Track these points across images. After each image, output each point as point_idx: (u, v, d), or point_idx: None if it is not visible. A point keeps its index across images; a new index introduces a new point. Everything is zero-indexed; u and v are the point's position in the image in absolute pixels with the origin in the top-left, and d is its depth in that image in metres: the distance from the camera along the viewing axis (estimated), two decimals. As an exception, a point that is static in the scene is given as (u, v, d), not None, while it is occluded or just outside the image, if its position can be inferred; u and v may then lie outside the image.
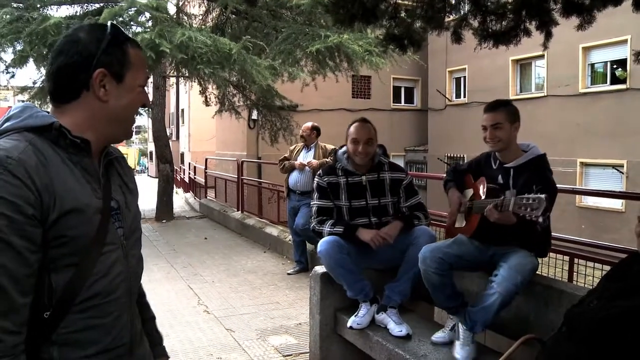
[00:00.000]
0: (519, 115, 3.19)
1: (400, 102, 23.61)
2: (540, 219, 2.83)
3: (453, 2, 4.66)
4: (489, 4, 4.41)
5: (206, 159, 16.11)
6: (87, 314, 1.27)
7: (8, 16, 9.92)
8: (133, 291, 1.43)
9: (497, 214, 2.90)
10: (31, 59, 10.71)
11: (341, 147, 3.86)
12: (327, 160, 6.74)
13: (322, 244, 3.57)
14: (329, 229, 3.62)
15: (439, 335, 3.27)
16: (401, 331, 3.39)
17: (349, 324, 3.53)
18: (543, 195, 2.74)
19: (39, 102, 12.90)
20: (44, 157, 1.22)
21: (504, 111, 3.15)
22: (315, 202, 3.79)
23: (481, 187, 3.19)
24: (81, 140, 1.29)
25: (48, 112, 1.33)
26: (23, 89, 13.38)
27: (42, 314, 1.22)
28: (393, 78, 21.76)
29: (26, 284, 1.17)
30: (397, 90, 23.49)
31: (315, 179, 3.87)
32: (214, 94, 14.70)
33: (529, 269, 2.94)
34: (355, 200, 3.70)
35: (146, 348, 1.54)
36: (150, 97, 14.00)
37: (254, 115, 16.12)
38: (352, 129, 3.70)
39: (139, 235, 1.49)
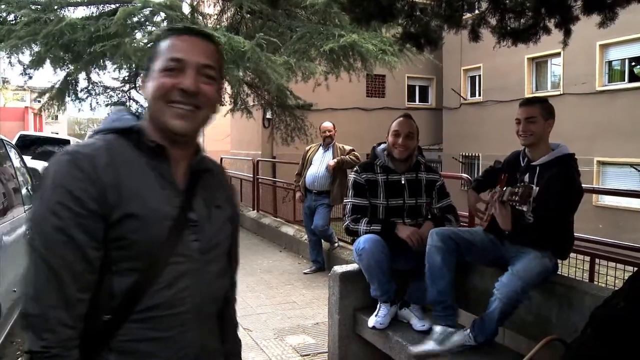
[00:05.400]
0: (554, 114, 3.20)
1: (415, 101, 23.51)
2: (524, 208, 2.96)
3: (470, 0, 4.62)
4: (507, 1, 4.36)
5: (221, 158, 16.13)
6: (146, 325, 1.24)
7: (25, 18, 10.02)
8: (204, 309, 1.35)
9: (497, 206, 3.00)
10: (48, 61, 10.81)
11: (379, 144, 3.83)
12: (345, 158, 6.74)
13: (364, 241, 3.50)
14: (365, 228, 3.58)
15: (422, 347, 3.15)
16: (424, 326, 3.44)
17: (371, 324, 3.52)
18: (531, 185, 2.90)
19: (57, 104, 13.03)
20: (121, 158, 1.24)
21: (539, 106, 3.17)
22: (350, 200, 3.72)
23: (504, 184, 3.22)
24: (156, 145, 1.28)
25: (136, 116, 1.35)
26: (42, 93, 13.50)
27: (102, 317, 1.21)
28: (407, 77, 21.68)
29: (84, 280, 1.18)
30: (411, 89, 23.41)
31: (352, 175, 3.81)
32: (228, 93, 14.73)
33: (537, 272, 2.91)
34: (393, 199, 3.67)
35: None
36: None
37: (268, 115, 16.13)
38: (394, 123, 3.71)
39: (222, 252, 1.42)
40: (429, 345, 3.08)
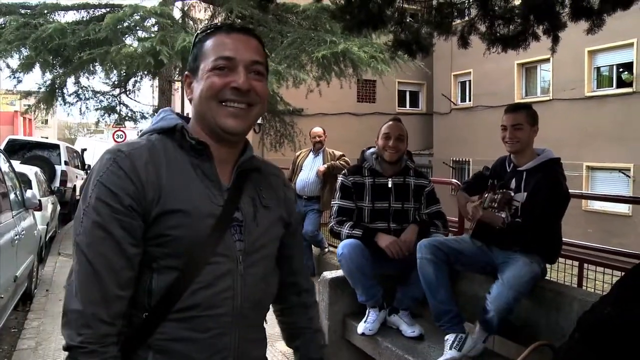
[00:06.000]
0: (538, 119, 3.22)
1: (406, 106, 23.58)
2: (503, 214, 3.00)
3: (460, 7, 4.65)
4: (496, 8, 4.39)
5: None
6: (183, 325, 1.21)
7: (14, 23, 9.98)
8: (244, 312, 1.29)
9: (481, 211, 3.08)
10: (37, 65, 10.76)
11: (369, 148, 3.84)
12: (336, 163, 6.73)
13: (343, 247, 3.50)
14: (347, 231, 3.57)
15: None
16: (414, 332, 3.43)
17: (360, 331, 3.51)
18: (509, 192, 2.99)
19: (45, 107, 12.97)
20: (163, 156, 1.23)
21: (525, 113, 3.19)
22: (337, 202, 3.72)
23: (488, 190, 3.25)
24: (197, 142, 1.26)
25: (183, 116, 1.36)
26: (28, 93, 13.43)
27: (142, 314, 1.20)
28: (398, 82, 21.75)
29: (123, 276, 1.17)
30: (402, 94, 23.50)
31: (340, 177, 3.82)
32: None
33: (527, 280, 2.91)
34: (378, 202, 3.65)
35: None
36: (156, 102, 14.02)
37: (259, 120, 16.13)
38: (384, 126, 3.71)
39: (268, 254, 1.37)
40: (450, 354, 3.05)
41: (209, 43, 1.29)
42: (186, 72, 1.33)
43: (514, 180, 3.18)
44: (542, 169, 3.10)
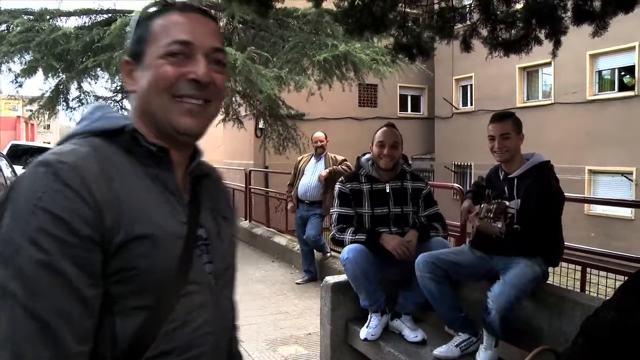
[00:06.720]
0: (522, 127, 3.26)
1: (407, 111, 23.60)
2: (499, 224, 3.02)
3: (462, 11, 4.67)
4: (498, 12, 4.40)
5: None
6: None
7: (19, 27, 10.02)
8: (221, 346, 1.11)
9: (478, 221, 3.10)
10: (40, 69, 10.80)
11: (364, 154, 3.84)
12: (337, 168, 6.73)
13: (348, 252, 3.48)
14: (350, 237, 3.56)
15: (441, 350, 3.19)
16: (416, 337, 3.42)
17: (362, 336, 3.51)
18: (504, 202, 3.03)
19: (47, 113, 13.00)
20: (114, 167, 0.97)
21: (511, 122, 3.22)
22: (336, 210, 3.72)
23: (484, 200, 3.27)
24: (158, 148, 1.04)
25: (124, 114, 1.13)
26: (32, 100, 13.47)
27: None
28: (399, 86, 21.75)
29: (82, 327, 0.89)
30: (403, 98, 23.49)
31: (337, 185, 3.81)
32: (220, 103, 14.77)
33: (529, 278, 2.92)
34: (378, 207, 3.65)
35: None
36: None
37: (261, 124, 16.16)
38: (378, 133, 3.70)
39: (234, 272, 1.19)
40: (448, 350, 3.14)
41: (159, 22, 1.05)
42: (125, 58, 1.08)
43: (505, 187, 3.20)
44: (532, 174, 3.12)
